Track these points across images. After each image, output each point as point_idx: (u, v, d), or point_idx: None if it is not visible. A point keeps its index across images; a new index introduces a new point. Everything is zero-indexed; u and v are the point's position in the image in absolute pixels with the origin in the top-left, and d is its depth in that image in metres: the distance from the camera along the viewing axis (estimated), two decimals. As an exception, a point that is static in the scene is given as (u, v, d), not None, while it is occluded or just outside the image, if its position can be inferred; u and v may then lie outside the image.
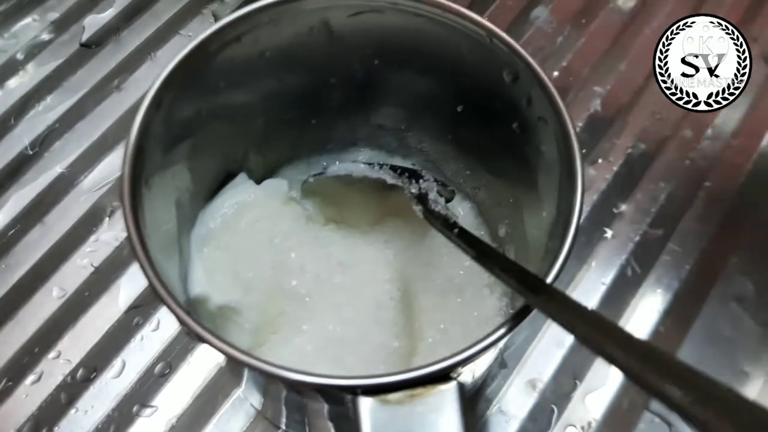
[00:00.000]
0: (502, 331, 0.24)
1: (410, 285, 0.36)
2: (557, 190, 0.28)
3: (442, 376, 0.24)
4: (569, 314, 0.22)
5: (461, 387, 0.24)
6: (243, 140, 0.37)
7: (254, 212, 0.36)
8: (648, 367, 0.18)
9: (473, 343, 0.24)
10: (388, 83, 0.36)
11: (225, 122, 0.34)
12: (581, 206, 0.26)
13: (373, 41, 0.33)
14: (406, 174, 0.36)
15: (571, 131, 0.27)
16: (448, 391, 0.24)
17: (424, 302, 0.36)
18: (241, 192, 0.36)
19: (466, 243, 0.29)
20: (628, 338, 0.19)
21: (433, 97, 0.36)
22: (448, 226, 0.31)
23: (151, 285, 0.25)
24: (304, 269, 0.35)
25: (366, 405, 0.23)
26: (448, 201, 0.36)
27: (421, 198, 0.35)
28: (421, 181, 0.35)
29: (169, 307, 0.25)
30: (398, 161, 0.41)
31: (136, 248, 0.25)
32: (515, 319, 0.25)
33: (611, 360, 0.19)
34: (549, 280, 0.25)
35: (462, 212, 0.40)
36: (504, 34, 0.29)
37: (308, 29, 0.32)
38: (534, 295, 0.24)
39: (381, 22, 0.32)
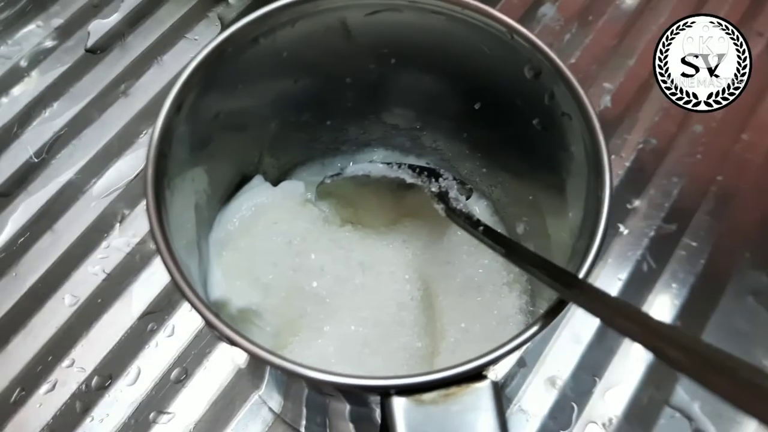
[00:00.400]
0: (537, 326, 0.24)
1: (430, 284, 0.36)
2: (585, 187, 0.28)
3: (476, 375, 0.24)
4: (604, 306, 0.22)
5: (496, 385, 0.24)
6: (258, 142, 0.37)
7: (271, 214, 0.35)
8: (687, 355, 0.18)
9: (509, 339, 0.23)
10: (403, 82, 0.36)
11: (242, 124, 0.34)
12: (610, 202, 0.26)
13: (390, 40, 0.33)
14: (425, 173, 0.36)
15: (597, 125, 0.27)
16: (483, 389, 0.23)
17: (444, 302, 0.35)
18: (257, 194, 0.36)
19: (492, 240, 0.29)
20: (663, 327, 0.19)
21: (449, 95, 0.36)
22: (472, 224, 0.31)
23: (176, 284, 0.24)
24: (324, 270, 0.35)
25: (400, 405, 0.23)
26: (466, 199, 0.36)
27: (442, 196, 0.34)
28: (440, 179, 0.35)
29: (194, 305, 0.24)
30: (412, 160, 0.41)
31: (161, 249, 0.25)
32: (550, 315, 0.24)
33: (651, 349, 0.19)
34: (580, 276, 0.25)
35: (478, 210, 0.40)
36: (525, 30, 0.29)
37: (325, 29, 0.32)
38: (567, 289, 0.24)
39: (398, 20, 0.32)
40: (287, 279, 0.34)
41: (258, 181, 0.37)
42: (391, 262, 0.36)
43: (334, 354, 0.34)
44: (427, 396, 0.23)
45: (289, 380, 0.32)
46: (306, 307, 0.34)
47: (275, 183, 0.38)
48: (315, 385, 0.27)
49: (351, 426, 0.34)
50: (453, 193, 0.34)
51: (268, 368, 0.32)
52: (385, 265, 0.36)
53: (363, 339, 0.34)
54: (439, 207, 0.34)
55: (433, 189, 0.35)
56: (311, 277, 0.34)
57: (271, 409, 0.40)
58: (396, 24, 0.32)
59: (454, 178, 0.35)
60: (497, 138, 0.35)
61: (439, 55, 0.33)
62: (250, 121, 0.35)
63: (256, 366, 0.33)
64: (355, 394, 0.27)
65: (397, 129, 0.40)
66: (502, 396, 0.40)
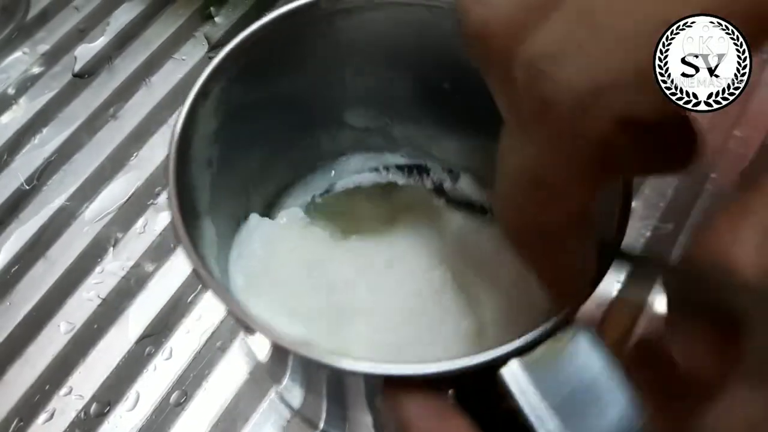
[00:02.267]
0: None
1: (453, 269, 0.35)
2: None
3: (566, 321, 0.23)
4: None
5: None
6: (245, 182, 0.36)
7: (281, 246, 0.35)
8: None
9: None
10: (367, 83, 0.35)
11: (231, 166, 0.33)
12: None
13: (355, 40, 0.32)
14: (415, 170, 0.35)
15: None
16: (582, 333, 0.23)
17: (473, 279, 0.34)
18: (261, 232, 0.35)
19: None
20: None
21: (414, 83, 0.34)
22: (476, 211, 0.31)
23: (196, 273, 0.24)
24: (354, 283, 0.34)
25: (520, 371, 0.22)
26: (454, 183, 0.35)
27: (438, 190, 0.34)
28: (431, 173, 0.35)
29: (217, 296, 0.24)
30: (389, 158, 0.40)
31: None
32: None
33: None
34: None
35: (466, 189, 0.39)
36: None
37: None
38: None
39: (366, 18, 0.31)
40: (322, 302, 0.33)
41: (255, 219, 0.35)
42: (412, 256, 0.35)
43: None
44: (537, 353, 0.22)
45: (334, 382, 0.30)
46: (349, 324, 0.33)
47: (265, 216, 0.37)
48: (391, 383, 0.24)
49: (369, 418, 0.33)
50: (447, 184, 0.34)
51: (288, 370, 0.31)
52: (408, 261, 0.35)
53: (410, 336, 0.33)
54: (440, 202, 0.33)
55: (428, 185, 0.34)
56: (344, 293, 0.33)
57: (289, 405, 0.39)
58: (362, 23, 0.31)
59: (442, 169, 0.35)
60: (474, 111, 0.34)
61: (398, 46, 0.32)
62: (237, 161, 0.34)
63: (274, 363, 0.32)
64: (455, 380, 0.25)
65: (368, 131, 0.38)
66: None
